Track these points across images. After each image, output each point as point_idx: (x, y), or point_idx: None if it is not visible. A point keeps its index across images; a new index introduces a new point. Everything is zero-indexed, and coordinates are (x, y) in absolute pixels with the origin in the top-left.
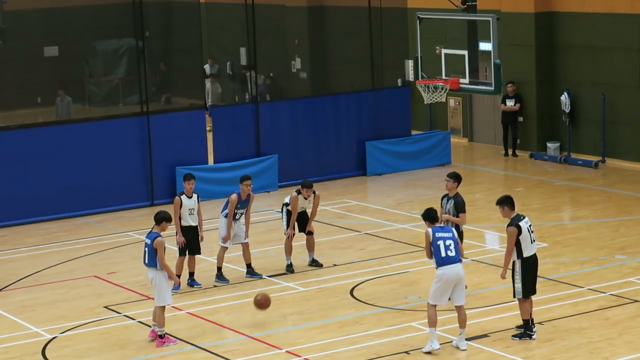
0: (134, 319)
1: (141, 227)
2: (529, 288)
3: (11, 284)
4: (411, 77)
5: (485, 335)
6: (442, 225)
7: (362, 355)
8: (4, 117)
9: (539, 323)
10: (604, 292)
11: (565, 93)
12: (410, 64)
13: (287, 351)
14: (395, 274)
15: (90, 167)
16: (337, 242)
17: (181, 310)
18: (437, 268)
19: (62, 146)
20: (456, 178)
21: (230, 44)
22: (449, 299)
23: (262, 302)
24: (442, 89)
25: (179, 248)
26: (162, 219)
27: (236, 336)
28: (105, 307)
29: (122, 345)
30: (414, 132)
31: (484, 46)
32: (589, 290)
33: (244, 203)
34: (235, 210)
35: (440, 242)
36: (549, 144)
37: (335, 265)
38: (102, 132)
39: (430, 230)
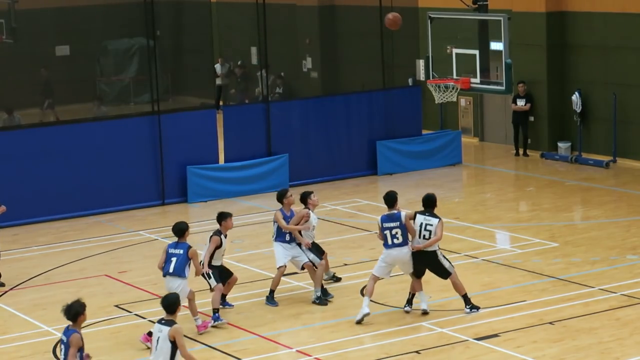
0: (144, 318)
1: (152, 226)
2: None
3: (22, 283)
4: (422, 77)
5: (495, 335)
6: (390, 213)
7: (373, 355)
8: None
9: (550, 323)
10: (615, 292)
11: (576, 93)
12: (421, 63)
13: (297, 350)
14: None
15: (101, 167)
16: (348, 242)
17: None
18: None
19: (73, 145)
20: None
21: (241, 44)
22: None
23: (394, 21)
24: (453, 88)
25: (214, 278)
26: (184, 230)
27: (247, 335)
28: (116, 306)
29: (133, 345)
30: (424, 132)
31: (495, 46)
32: (600, 291)
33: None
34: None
35: (387, 232)
36: (560, 144)
37: (345, 264)
38: (113, 132)
39: (379, 219)
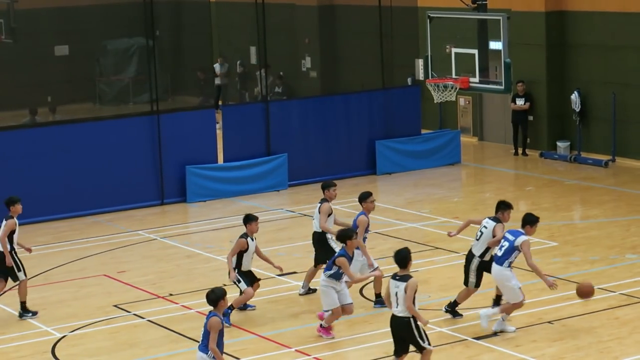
0: (143, 318)
1: (151, 226)
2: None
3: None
4: (421, 76)
5: (494, 335)
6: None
7: (372, 354)
8: (15, 116)
9: (549, 322)
10: (614, 292)
11: (575, 92)
12: (420, 63)
13: (296, 350)
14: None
15: (100, 166)
16: None
17: (190, 309)
18: None
19: (72, 145)
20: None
21: (241, 43)
22: None
23: (587, 291)
24: (452, 88)
25: (244, 282)
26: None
27: (246, 335)
28: (115, 306)
29: (131, 344)
30: (424, 131)
31: (494, 45)
32: (599, 290)
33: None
34: (365, 235)
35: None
36: (559, 143)
37: None
38: (113, 131)
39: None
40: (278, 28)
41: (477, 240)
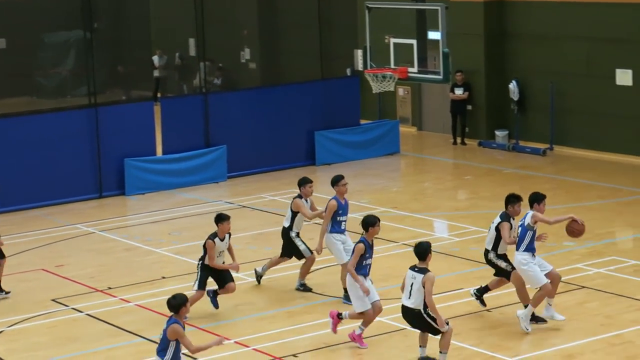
0: (82, 312)
1: (90, 220)
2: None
3: None
4: (360, 67)
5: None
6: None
7: (311, 345)
8: None
9: (487, 310)
10: None
11: (513, 81)
12: (359, 53)
13: (235, 342)
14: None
15: (38, 160)
16: None
17: (129, 302)
18: None
19: (10, 139)
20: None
21: (179, 35)
22: None
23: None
24: (390, 78)
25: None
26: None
27: (186, 328)
28: (54, 300)
29: (71, 339)
30: (363, 122)
31: (433, 35)
32: None
33: (344, 208)
34: (339, 219)
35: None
36: (497, 132)
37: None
38: (51, 125)
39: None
40: (217, 20)
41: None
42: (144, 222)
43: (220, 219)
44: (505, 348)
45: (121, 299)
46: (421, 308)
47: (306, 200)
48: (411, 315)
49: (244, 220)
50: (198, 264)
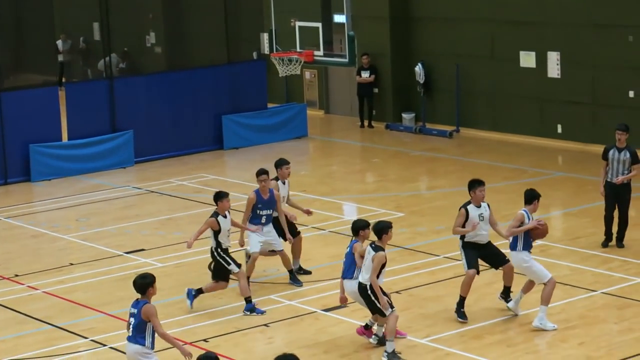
0: None
1: None
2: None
3: None
4: (266, 50)
5: (344, 306)
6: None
7: (222, 329)
8: None
9: (397, 292)
10: (459, 260)
11: (419, 64)
12: (265, 37)
13: None
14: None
15: None
16: (195, 217)
17: (37, 289)
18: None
19: None
20: (627, 129)
21: (83, 19)
22: None
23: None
24: (296, 61)
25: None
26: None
27: (94, 314)
28: None
29: None
30: (270, 105)
31: (338, 18)
32: (445, 259)
33: (266, 203)
34: (259, 212)
35: None
36: (404, 115)
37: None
38: None
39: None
40: (121, 4)
41: None
42: (51, 208)
43: (220, 196)
44: (406, 328)
45: (28, 286)
46: (368, 284)
47: (283, 182)
48: (363, 293)
49: (152, 205)
50: (215, 252)
